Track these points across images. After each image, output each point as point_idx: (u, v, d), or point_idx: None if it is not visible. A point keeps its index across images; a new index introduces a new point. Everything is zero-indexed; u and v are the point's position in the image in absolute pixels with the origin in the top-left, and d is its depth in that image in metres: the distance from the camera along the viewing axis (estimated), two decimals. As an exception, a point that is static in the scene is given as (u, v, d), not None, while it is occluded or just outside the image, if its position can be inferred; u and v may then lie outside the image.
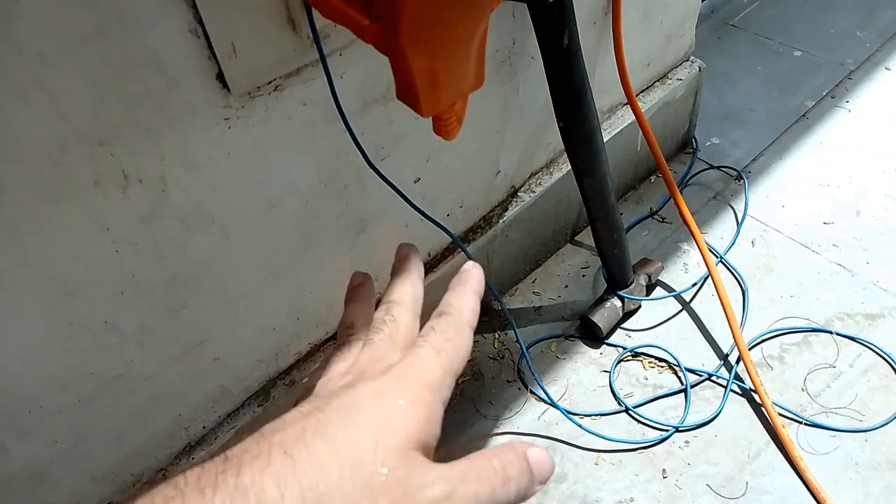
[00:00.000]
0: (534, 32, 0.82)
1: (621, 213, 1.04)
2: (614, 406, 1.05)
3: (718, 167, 1.39)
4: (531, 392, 1.08)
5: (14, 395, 0.62)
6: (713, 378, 1.07)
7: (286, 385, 0.91)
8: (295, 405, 0.29)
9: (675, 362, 1.09)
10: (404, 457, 0.26)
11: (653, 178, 1.40)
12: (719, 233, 1.27)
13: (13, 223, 0.54)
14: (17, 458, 0.67)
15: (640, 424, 1.03)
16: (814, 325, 1.11)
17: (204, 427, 0.86)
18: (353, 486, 0.24)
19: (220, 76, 0.60)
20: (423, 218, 0.82)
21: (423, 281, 0.39)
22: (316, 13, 0.57)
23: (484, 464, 0.27)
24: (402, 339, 0.34)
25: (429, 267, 1.03)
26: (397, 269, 0.40)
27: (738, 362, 1.07)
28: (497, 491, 0.27)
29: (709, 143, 1.45)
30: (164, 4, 0.53)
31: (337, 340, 0.36)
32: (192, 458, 0.85)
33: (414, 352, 0.30)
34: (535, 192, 1.12)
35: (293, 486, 0.23)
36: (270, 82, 0.65)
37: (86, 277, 0.61)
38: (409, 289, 0.38)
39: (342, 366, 0.33)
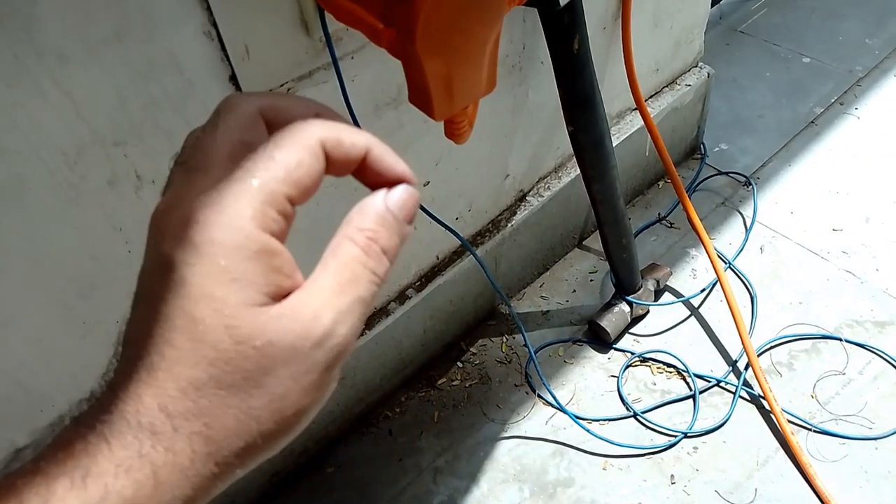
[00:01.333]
0: (544, 37, 0.82)
1: (629, 218, 1.04)
2: (622, 411, 1.05)
3: (727, 173, 1.39)
4: (539, 396, 1.08)
5: (29, 392, 0.63)
6: (722, 384, 1.07)
7: (295, 387, 0.91)
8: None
9: (683, 368, 1.09)
10: (263, 324, 0.22)
11: (661, 183, 1.40)
12: (728, 239, 1.27)
13: (31, 222, 0.54)
14: (30, 455, 0.67)
15: (648, 430, 1.03)
16: (823, 332, 1.11)
17: (213, 428, 0.86)
18: (233, 381, 0.22)
19: (234, 78, 0.61)
20: (433, 221, 0.82)
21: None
22: (329, 17, 0.57)
23: (350, 254, 0.24)
24: (221, 154, 0.24)
25: (437, 270, 1.03)
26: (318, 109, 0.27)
27: (746, 368, 1.07)
28: (377, 272, 0.24)
29: (717, 149, 1.44)
30: (181, 7, 0.54)
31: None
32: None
33: (231, 177, 0.23)
34: (543, 196, 1.12)
35: (175, 406, 0.22)
36: (283, 85, 0.65)
37: (101, 277, 0.62)
38: (298, 109, 0.26)
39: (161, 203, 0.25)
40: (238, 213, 0.22)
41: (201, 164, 0.24)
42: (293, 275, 0.24)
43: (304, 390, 0.23)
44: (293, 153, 0.23)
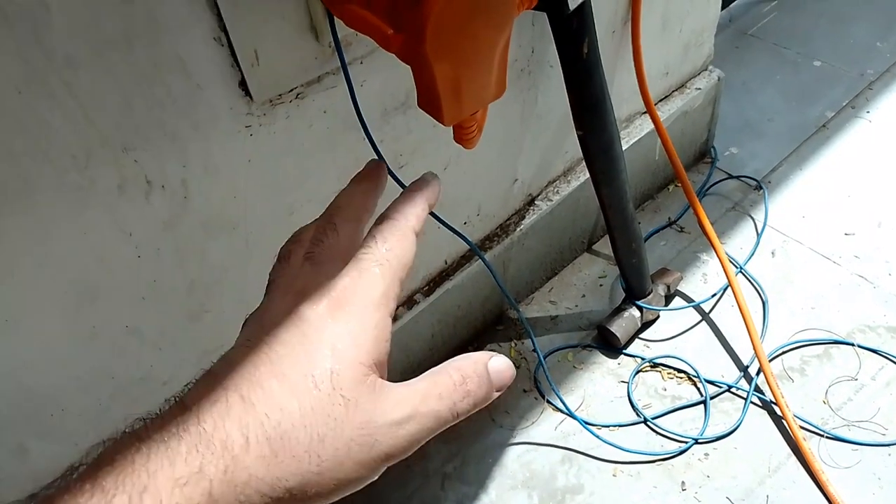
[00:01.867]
0: (553, 41, 0.82)
1: (639, 223, 1.03)
2: (632, 417, 1.05)
3: (738, 177, 1.38)
4: (548, 402, 1.07)
5: (37, 395, 0.63)
6: (733, 390, 1.06)
7: (303, 392, 0.91)
8: (244, 326, 0.29)
9: (694, 373, 1.08)
10: (360, 383, 0.26)
11: (671, 187, 1.39)
12: (738, 243, 1.26)
13: (40, 225, 0.54)
14: (38, 458, 0.67)
15: (658, 436, 1.02)
16: (835, 338, 1.10)
17: (221, 432, 0.86)
18: (315, 422, 0.24)
19: (243, 83, 0.61)
20: (441, 225, 0.82)
21: (380, 191, 0.37)
22: (338, 22, 0.57)
23: (444, 380, 0.28)
24: (342, 250, 0.32)
25: (445, 275, 1.03)
26: (354, 178, 0.38)
27: (758, 374, 1.06)
28: (457, 405, 0.28)
29: (727, 153, 1.44)
30: (190, 12, 0.54)
31: (283, 247, 0.34)
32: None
33: (355, 267, 0.29)
34: (552, 200, 1.11)
35: (256, 429, 0.24)
36: (292, 90, 0.65)
37: (108, 281, 0.62)
38: (356, 197, 0.36)
39: (282, 281, 0.31)
40: (371, 291, 0.28)
41: (326, 258, 0.31)
42: (388, 352, 0.28)
43: (362, 463, 0.26)
44: (399, 245, 0.30)
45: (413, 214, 0.32)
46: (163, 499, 0.22)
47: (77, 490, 0.22)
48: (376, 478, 0.27)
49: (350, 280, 0.28)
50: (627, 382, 1.08)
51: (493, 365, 0.29)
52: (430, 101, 0.51)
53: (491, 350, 1.15)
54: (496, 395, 0.29)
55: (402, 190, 0.35)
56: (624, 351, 1.12)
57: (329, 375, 0.25)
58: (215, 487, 0.23)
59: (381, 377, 0.27)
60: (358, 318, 0.27)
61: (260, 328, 0.28)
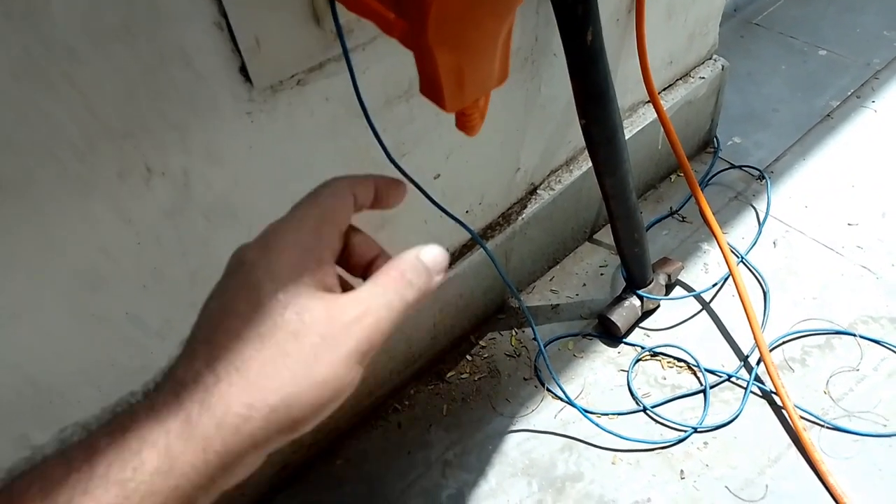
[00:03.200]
0: (557, 29, 0.81)
1: (641, 212, 1.03)
2: (632, 406, 1.05)
3: (740, 167, 1.37)
4: (548, 390, 1.07)
5: (38, 384, 0.63)
6: (733, 379, 1.06)
7: (304, 379, 0.91)
8: None
9: (694, 363, 1.08)
10: (308, 298, 0.28)
11: (673, 177, 1.39)
12: (740, 233, 1.26)
13: (41, 214, 0.54)
14: (40, 447, 0.68)
15: (658, 424, 1.02)
16: (837, 328, 1.10)
17: (223, 420, 0.87)
18: (275, 341, 0.27)
19: (244, 69, 0.60)
20: (443, 214, 0.82)
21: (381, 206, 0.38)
22: (340, 8, 0.57)
23: (385, 278, 0.30)
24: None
25: (448, 264, 1.02)
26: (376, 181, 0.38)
27: (758, 364, 1.06)
28: (404, 294, 0.30)
29: (731, 143, 1.43)
30: (191, -2, 0.53)
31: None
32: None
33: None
34: (554, 189, 1.11)
35: (223, 363, 0.26)
36: (293, 76, 0.65)
37: (110, 270, 0.62)
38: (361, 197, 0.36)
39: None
40: (304, 228, 0.30)
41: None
42: (335, 278, 0.31)
43: (332, 365, 0.27)
44: (341, 199, 0.32)
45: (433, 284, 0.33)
46: (144, 435, 0.24)
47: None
48: (357, 380, 0.28)
49: (285, 222, 0.31)
50: (627, 371, 1.08)
51: (425, 255, 0.32)
52: (432, 88, 0.50)
53: (492, 339, 1.15)
54: (438, 279, 0.32)
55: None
56: (624, 340, 1.12)
57: (275, 298, 0.27)
58: (194, 416, 0.25)
59: (327, 291, 0.29)
60: (297, 249, 0.29)
61: (215, 289, 0.30)
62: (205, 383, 0.26)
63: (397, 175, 0.37)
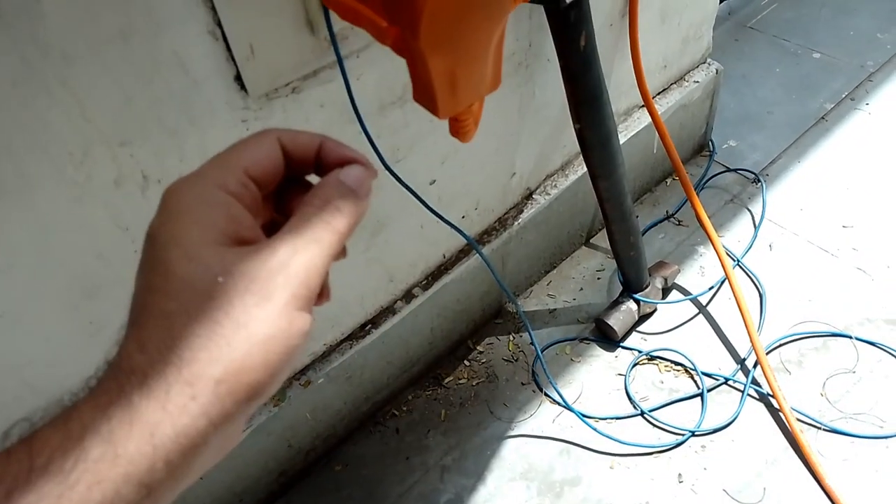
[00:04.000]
0: (550, 35, 0.82)
1: (637, 216, 1.03)
2: (629, 410, 1.05)
3: (736, 170, 1.38)
4: (545, 395, 1.08)
5: (37, 391, 0.63)
6: (730, 382, 1.06)
7: (302, 385, 0.92)
8: None
9: (691, 366, 1.08)
10: (223, 255, 0.25)
11: (669, 180, 1.39)
12: (736, 236, 1.26)
13: (37, 221, 0.55)
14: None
15: (655, 428, 1.03)
16: (833, 330, 1.10)
17: (220, 426, 0.87)
18: (200, 307, 0.24)
19: (239, 78, 0.61)
20: (439, 220, 0.82)
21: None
22: (334, 16, 0.57)
23: (306, 210, 0.27)
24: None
25: (444, 269, 1.03)
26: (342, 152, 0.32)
27: (755, 367, 1.06)
28: (332, 223, 0.27)
29: (726, 146, 1.44)
30: (185, 7, 0.54)
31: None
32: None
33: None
34: (550, 194, 1.11)
35: (154, 341, 0.24)
36: (288, 84, 0.65)
37: (107, 276, 0.62)
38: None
39: None
40: (202, 181, 0.27)
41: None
42: (255, 230, 0.28)
43: (270, 319, 0.25)
44: (252, 144, 0.28)
45: (281, 130, 0.30)
46: (85, 423, 0.23)
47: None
48: (306, 327, 0.26)
49: (192, 177, 0.28)
50: (625, 375, 1.08)
51: (345, 175, 0.29)
52: (425, 94, 0.51)
53: (490, 344, 1.15)
54: (365, 202, 0.29)
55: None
56: (621, 344, 1.12)
57: (185, 264, 0.25)
58: (136, 400, 0.23)
59: (242, 241, 0.27)
60: (192, 205, 0.26)
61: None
62: (141, 367, 0.24)
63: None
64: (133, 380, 0.24)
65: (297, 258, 0.26)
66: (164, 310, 0.25)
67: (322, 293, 0.29)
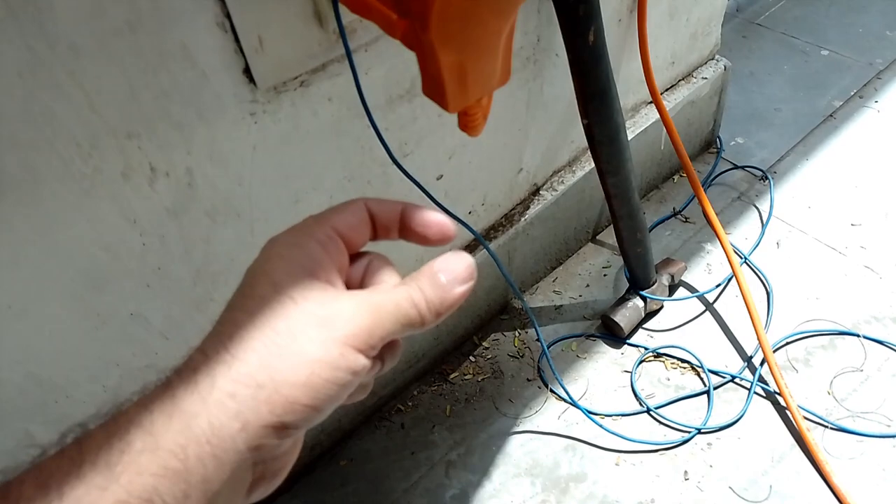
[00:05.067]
0: (559, 29, 0.81)
1: (644, 213, 1.03)
2: (635, 406, 1.05)
3: (743, 167, 1.37)
4: (551, 391, 1.07)
5: (44, 383, 0.63)
6: (736, 380, 1.06)
7: (307, 380, 0.91)
8: None
9: (697, 363, 1.08)
10: (307, 288, 0.27)
11: (676, 177, 1.38)
12: (744, 233, 1.25)
13: (45, 213, 0.55)
14: (43, 444, 0.68)
15: (661, 425, 1.02)
16: (840, 328, 1.09)
17: (226, 420, 0.87)
18: (265, 320, 0.26)
19: (247, 70, 0.60)
20: (446, 215, 0.82)
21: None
22: (343, 8, 0.57)
23: (392, 292, 0.29)
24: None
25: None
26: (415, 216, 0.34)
27: (762, 364, 1.06)
28: (409, 312, 0.28)
29: (733, 143, 1.43)
30: (194, -1, 0.53)
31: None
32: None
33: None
34: (557, 190, 1.11)
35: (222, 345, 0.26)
36: (296, 77, 0.65)
37: (114, 269, 0.62)
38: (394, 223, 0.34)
39: None
40: (295, 231, 0.29)
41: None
42: (336, 278, 0.29)
43: (324, 341, 0.26)
44: (342, 205, 0.31)
45: (369, 197, 0.32)
46: (129, 413, 0.24)
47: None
48: (356, 367, 0.26)
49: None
50: (631, 372, 1.08)
51: (440, 263, 0.30)
52: (434, 88, 0.51)
53: (496, 340, 1.15)
54: (461, 288, 0.30)
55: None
56: (628, 341, 1.12)
57: (272, 288, 0.27)
58: (179, 393, 0.24)
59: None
60: (294, 254, 0.28)
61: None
62: (194, 363, 0.25)
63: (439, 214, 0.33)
64: (182, 375, 0.25)
65: (368, 306, 0.27)
66: (234, 319, 0.26)
67: (384, 356, 0.31)
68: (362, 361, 0.27)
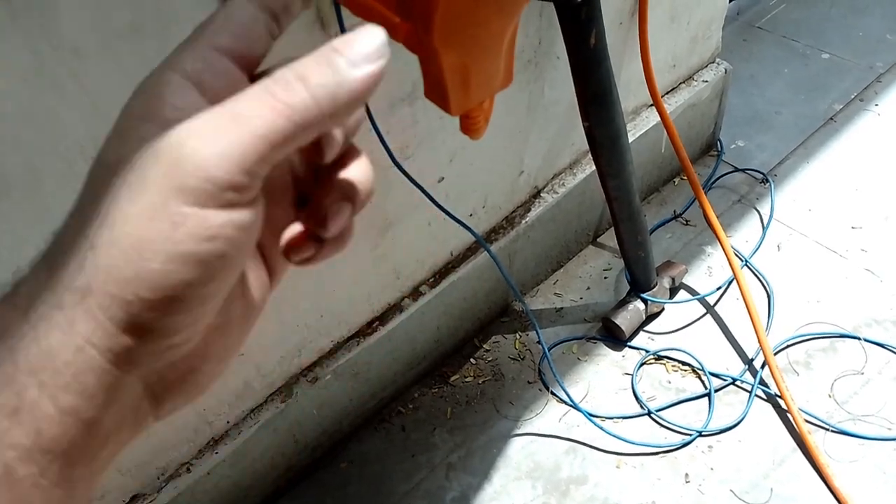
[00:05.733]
0: (560, 32, 0.81)
1: (645, 215, 1.03)
2: (636, 409, 1.05)
3: (744, 170, 1.37)
4: (552, 393, 1.07)
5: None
6: (737, 383, 1.06)
7: (308, 381, 0.92)
8: None
9: (698, 366, 1.08)
10: (146, 131, 0.19)
11: (677, 180, 1.39)
12: (744, 236, 1.25)
13: (47, 214, 0.55)
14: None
15: (662, 428, 1.02)
16: (841, 331, 1.09)
17: (228, 422, 0.87)
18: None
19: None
20: (447, 217, 0.82)
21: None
22: (345, 12, 0.57)
23: (256, 86, 0.19)
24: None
25: (451, 267, 1.03)
26: None
27: (763, 367, 1.06)
28: (281, 95, 0.19)
29: (734, 146, 1.43)
30: (196, 1, 0.53)
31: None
32: (216, 453, 0.86)
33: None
34: (558, 192, 1.11)
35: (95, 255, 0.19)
36: (299, 80, 0.65)
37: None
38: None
39: None
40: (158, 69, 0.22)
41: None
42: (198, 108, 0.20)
43: (141, 218, 0.18)
44: (218, 14, 0.22)
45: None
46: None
47: None
48: (211, 230, 0.18)
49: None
50: (632, 375, 1.08)
51: (343, 39, 0.19)
52: (437, 91, 0.51)
53: (496, 342, 1.15)
54: (360, 69, 0.19)
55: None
56: (628, 343, 1.12)
57: (118, 140, 0.20)
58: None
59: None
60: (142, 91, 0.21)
61: None
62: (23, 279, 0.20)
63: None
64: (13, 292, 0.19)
65: (204, 140, 0.18)
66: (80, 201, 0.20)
67: (274, 199, 0.21)
68: (223, 217, 0.18)
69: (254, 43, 0.22)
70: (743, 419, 1.01)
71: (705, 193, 1.16)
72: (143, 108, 0.21)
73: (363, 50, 0.19)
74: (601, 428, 1.01)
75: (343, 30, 0.59)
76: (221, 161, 0.18)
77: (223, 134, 0.18)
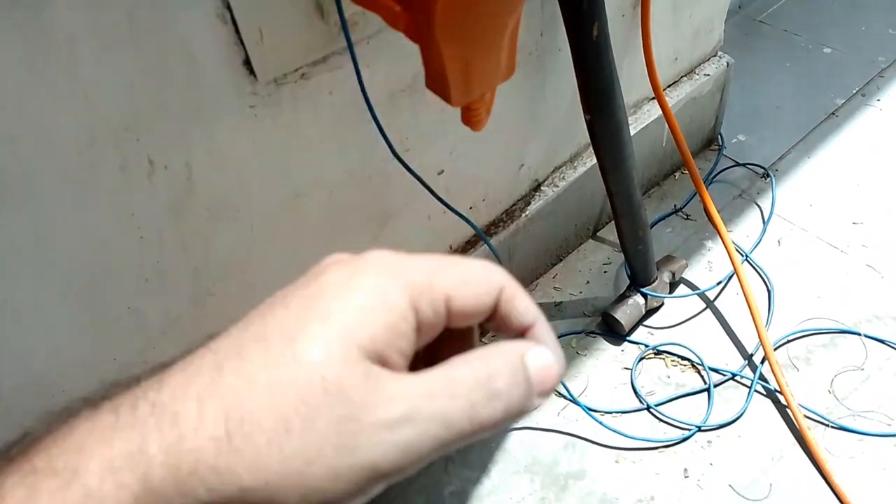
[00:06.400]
0: (562, 24, 0.80)
1: (645, 210, 1.02)
2: (635, 404, 1.04)
3: (745, 164, 1.37)
4: (551, 388, 1.07)
5: (40, 378, 0.63)
6: (737, 378, 1.05)
7: (306, 376, 0.91)
8: None
9: (698, 361, 1.07)
10: (350, 364, 0.20)
11: (678, 174, 1.38)
12: (745, 231, 1.25)
13: (41, 208, 0.54)
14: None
15: (661, 423, 1.02)
16: (842, 327, 1.09)
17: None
18: (284, 404, 0.19)
19: (247, 62, 0.60)
20: (447, 210, 0.81)
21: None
22: (345, 0, 0.56)
23: (463, 374, 0.21)
24: None
25: (559, 379, 1.02)
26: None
27: (762, 362, 1.05)
28: (478, 409, 0.20)
29: (735, 141, 1.42)
30: (194, -11, 0.53)
31: None
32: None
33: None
34: (558, 186, 1.10)
35: (215, 403, 0.19)
36: (297, 70, 0.64)
37: (111, 263, 0.61)
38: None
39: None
40: (398, 271, 0.22)
41: None
42: (404, 360, 0.21)
43: (331, 470, 0.19)
44: (475, 271, 0.24)
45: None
46: (90, 484, 0.18)
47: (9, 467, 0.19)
48: (364, 500, 0.20)
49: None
50: (631, 369, 1.08)
51: (533, 359, 0.22)
52: (438, 82, 0.50)
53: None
54: (538, 401, 0.22)
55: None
56: (628, 338, 1.12)
57: (312, 345, 0.20)
58: (155, 473, 0.19)
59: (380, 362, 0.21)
60: (378, 293, 0.21)
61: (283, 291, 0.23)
62: (182, 424, 0.19)
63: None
64: (165, 442, 0.19)
65: (406, 431, 0.20)
66: (253, 376, 0.20)
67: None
68: (368, 495, 0.20)
69: (470, 318, 0.23)
70: (742, 414, 1.01)
71: (706, 188, 1.15)
72: (370, 329, 0.20)
73: (552, 386, 0.22)
74: (600, 422, 1.01)
75: (343, 19, 0.58)
76: (414, 461, 0.21)
77: (428, 436, 0.20)
